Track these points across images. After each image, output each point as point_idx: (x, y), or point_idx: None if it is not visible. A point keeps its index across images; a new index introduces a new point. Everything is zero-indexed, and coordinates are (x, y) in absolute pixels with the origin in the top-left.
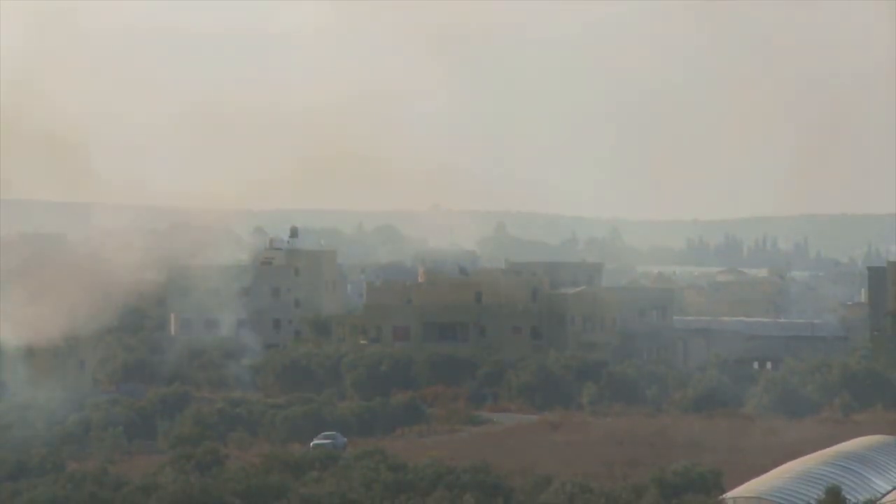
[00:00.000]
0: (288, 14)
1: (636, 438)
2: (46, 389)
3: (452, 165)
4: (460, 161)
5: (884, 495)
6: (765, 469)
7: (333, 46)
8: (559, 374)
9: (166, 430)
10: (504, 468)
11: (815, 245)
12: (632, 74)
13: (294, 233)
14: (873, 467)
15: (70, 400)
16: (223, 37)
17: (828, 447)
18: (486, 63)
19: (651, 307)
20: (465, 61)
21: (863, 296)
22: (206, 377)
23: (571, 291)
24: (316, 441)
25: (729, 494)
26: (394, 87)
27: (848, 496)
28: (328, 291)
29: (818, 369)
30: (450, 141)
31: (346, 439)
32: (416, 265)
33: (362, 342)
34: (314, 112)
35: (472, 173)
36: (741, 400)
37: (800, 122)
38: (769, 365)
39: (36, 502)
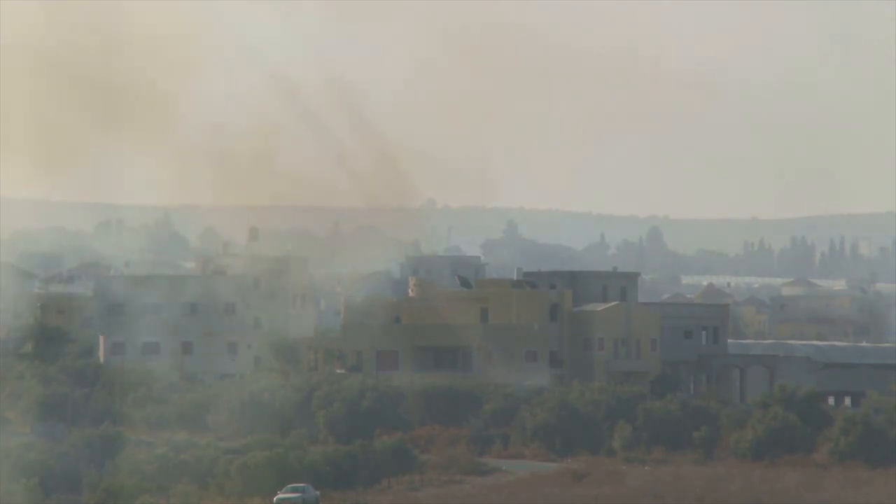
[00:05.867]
0: None
1: (681, 492)
2: None
3: (451, 154)
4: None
5: None
6: None
7: None
8: (585, 412)
9: (93, 481)
10: None
11: None
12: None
13: (254, 235)
14: None
15: None
16: None
17: None
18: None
19: (699, 328)
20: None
21: None
22: (143, 415)
23: (600, 308)
24: (281, 495)
25: None
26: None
27: None
28: (296, 308)
29: None
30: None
31: (318, 493)
32: (405, 275)
33: (339, 371)
34: None
35: (475, 163)
36: (813, 444)
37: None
38: (848, 400)
39: None
